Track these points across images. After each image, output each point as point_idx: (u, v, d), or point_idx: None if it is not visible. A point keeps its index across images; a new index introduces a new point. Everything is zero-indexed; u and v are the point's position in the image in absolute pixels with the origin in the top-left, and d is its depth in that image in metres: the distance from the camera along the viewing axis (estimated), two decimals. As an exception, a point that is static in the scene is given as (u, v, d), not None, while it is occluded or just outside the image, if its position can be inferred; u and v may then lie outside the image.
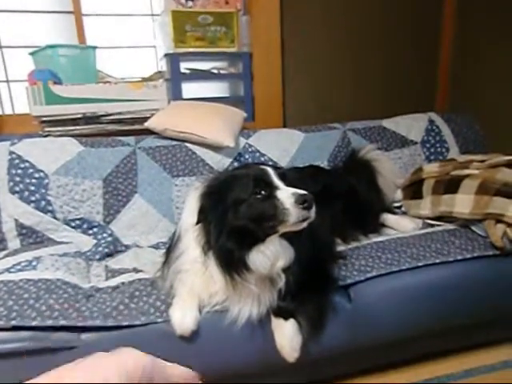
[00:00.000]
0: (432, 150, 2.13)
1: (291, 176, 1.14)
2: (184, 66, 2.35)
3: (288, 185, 1.07)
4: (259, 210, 1.04)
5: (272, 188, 1.06)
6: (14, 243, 1.60)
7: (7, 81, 2.40)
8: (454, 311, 1.39)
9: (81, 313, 1.11)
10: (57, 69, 2.10)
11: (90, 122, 2.10)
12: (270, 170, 1.10)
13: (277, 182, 1.07)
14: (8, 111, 2.40)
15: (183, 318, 1.12)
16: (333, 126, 2.15)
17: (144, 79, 2.30)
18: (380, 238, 1.55)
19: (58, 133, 2.04)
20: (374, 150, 2.01)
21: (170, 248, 1.26)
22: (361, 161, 1.95)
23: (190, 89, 2.36)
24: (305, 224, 1.04)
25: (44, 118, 2.03)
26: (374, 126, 2.17)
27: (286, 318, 1.15)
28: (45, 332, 1.08)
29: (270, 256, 1.07)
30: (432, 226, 1.63)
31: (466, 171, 1.59)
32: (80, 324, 1.09)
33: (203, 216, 1.09)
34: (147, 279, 1.30)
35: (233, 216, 1.05)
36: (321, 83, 2.57)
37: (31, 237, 1.61)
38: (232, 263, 1.06)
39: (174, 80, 2.30)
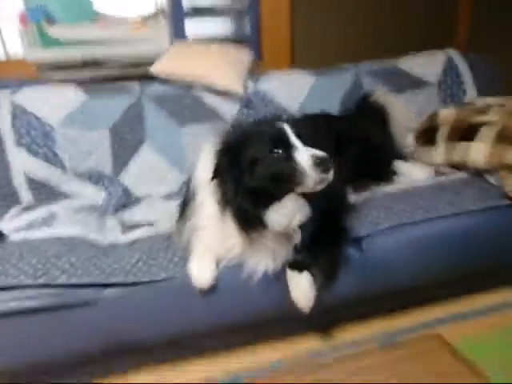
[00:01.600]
0: (448, 91, 2.03)
1: (307, 132, 1.10)
2: (186, 3, 2.17)
3: (304, 142, 1.04)
4: (276, 171, 1.03)
5: (290, 148, 1.03)
6: (26, 197, 1.59)
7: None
8: (466, 261, 1.42)
9: (102, 270, 1.15)
10: (49, 5, 1.95)
11: (90, 65, 1.99)
12: (288, 128, 1.06)
13: (294, 141, 1.04)
14: (1, 57, 2.26)
15: (201, 272, 1.15)
16: (344, 66, 2.04)
17: (144, 18, 2.14)
18: (392, 189, 1.54)
19: (57, 77, 1.95)
20: (387, 93, 1.93)
21: (185, 202, 1.26)
22: (373, 105, 1.88)
23: (192, 27, 2.21)
24: (322, 186, 1.03)
25: (41, 63, 1.92)
26: (387, 66, 2.05)
27: (300, 271, 1.19)
28: (70, 289, 1.11)
29: (287, 214, 1.08)
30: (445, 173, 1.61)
31: (485, 118, 1.53)
32: (103, 281, 1.13)
33: (218, 174, 1.08)
34: (163, 234, 1.31)
35: (249, 177, 1.04)
36: (333, 19, 2.38)
37: (42, 190, 1.60)
38: (249, 221, 1.07)
39: (176, 17, 2.15)
